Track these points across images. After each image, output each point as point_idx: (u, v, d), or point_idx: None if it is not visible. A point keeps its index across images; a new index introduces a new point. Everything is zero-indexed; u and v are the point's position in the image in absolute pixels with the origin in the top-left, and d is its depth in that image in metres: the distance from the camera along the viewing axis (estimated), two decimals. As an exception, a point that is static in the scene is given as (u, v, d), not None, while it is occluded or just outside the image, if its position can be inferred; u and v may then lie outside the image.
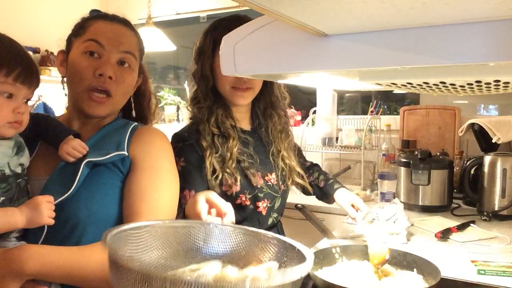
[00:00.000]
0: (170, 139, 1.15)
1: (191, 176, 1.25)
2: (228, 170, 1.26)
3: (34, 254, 0.77)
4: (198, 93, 1.34)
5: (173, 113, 3.28)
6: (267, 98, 1.41)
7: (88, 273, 0.80)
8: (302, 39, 0.73)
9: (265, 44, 0.78)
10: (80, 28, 0.99)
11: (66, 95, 1.02)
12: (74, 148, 0.89)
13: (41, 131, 0.94)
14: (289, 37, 0.75)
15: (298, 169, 1.43)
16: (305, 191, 1.56)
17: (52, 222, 0.81)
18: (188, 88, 1.45)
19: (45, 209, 0.80)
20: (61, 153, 0.90)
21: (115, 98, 0.97)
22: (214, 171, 1.26)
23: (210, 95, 1.32)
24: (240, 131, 1.34)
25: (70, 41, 1.01)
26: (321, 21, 0.66)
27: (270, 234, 0.74)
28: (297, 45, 0.75)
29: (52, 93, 2.72)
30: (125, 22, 1.02)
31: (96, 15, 1.01)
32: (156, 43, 2.82)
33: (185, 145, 1.28)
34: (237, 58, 0.81)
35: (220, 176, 1.25)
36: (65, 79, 1.02)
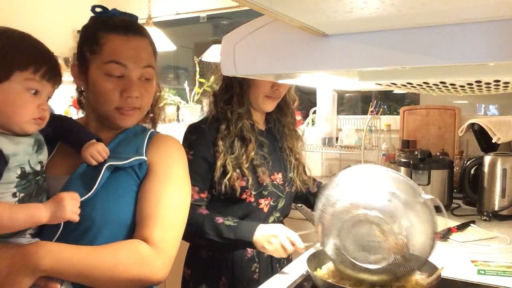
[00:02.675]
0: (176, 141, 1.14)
1: (198, 172, 1.27)
2: (238, 171, 1.28)
3: (50, 251, 0.79)
4: (232, 96, 1.35)
5: (173, 113, 3.27)
6: (282, 98, 1.44)
7: (100, 272, 0.82)
8: (302, 39, 0.73)
9: (265, 44, 0.78)
10: (93, 44, 0.95)
11: (82, 102, 1.05)
12: (98, 152, 0.92)
13: (63, 133, 0.97)
14: (289, 37, 0.75)
15: (306, 166, 1.52)
16: (299, 197, 1.56)
17: (77, 218, 0.82)
18: (211, 81, 1.46)
19: (68, 205, 0.80)
20: (85, 155, 0.92)
21: (142, 110, 1.00)
22: (224, 171, 1.28)
23: (247, 102, 1.35)
24: (258, 133, 1.37)
25: (83, 55, 0.97)
26: (321, 21, 0.66)
27: None
28: (297, 45, 0.75)
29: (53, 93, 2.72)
30: (138, 32, 0.99)
31: (107, 26, 0.96)
32: (156, 43, 2.79)
33: (200, 139, 1.30)
34: (237, 58, 0.81)
35: (229, 176, 1.27)
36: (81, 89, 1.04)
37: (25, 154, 0.84)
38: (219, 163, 1.28)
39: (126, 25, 0.97)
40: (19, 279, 0.76)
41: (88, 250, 0.83)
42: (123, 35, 0.96)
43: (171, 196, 0.95)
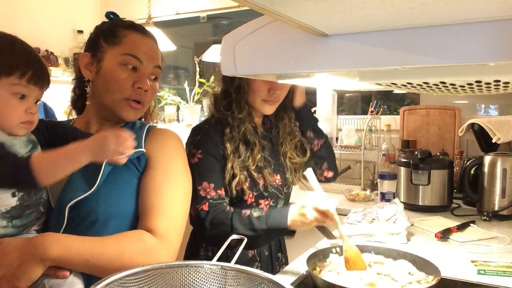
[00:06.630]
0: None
1: (210, 169, 1.27)
2: (245, 173, 1.29)
3: (57, 240, 0.82)
4: (232, 102, 1.35)
5: (173, 113, 3.27)
6: (281, 102, 1.42)
7: (106, 261, 0.84)
8: (302, 39, 0.73)
9: (265, 44, 0.78)
10: (112, 36, 1.02)
11: (87, 93, 1.06)
12: None
13: (59, 138, 0.98)
14: (289, 37, 0.75)
15: (302, 166, 1.47)
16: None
17: (123, 160, 0.85)
18: (215, 85, 1.46)
19: (111, 143, 0.82)
20: None
21: (145, 106, 1.06)
22: (233, 174, 1.28)
23: (246, 107, 1.35)
24: (260, 137, 1.37)
25: (98, 45, 1.03)
26: (321, 21, 0.66)
27: (264, 274, 0.73)
28: (297, 45, 0.75)
29: (52, 93, 2.73)
30: (152, 36, 1.09)
31: (125, 24, 1.05)
32: (156, 43, 2.82)
33: (205, 138, 1.30)
34: (237, 58, 0.81)
35: (237, 179, 1.28)
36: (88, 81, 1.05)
37: (20, 147, 0.85)
38: (229, 164, 1.28)
39: (142, 28, 1.07)
40: (29, 268, 0.78)
41: (95, 240, 0.86)
42: (140, 33, 1.05)
43: (172, 187, 0.98)
